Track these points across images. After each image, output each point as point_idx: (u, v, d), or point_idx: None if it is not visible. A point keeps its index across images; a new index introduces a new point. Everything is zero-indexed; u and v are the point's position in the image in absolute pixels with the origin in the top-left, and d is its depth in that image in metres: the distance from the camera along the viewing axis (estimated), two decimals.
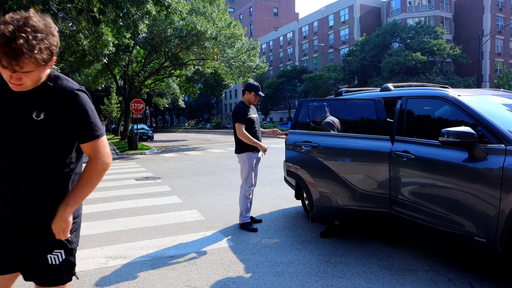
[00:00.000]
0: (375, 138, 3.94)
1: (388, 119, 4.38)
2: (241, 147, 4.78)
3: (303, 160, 4.17)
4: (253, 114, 4.88)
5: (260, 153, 4.90)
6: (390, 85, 4.33)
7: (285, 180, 6.03)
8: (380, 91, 4.41)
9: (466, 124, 3.21)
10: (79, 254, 4.00)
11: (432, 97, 3.70)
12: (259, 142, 4.73)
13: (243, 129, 4.65)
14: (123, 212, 5.83)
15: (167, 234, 4.69)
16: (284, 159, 6.02)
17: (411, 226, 3.64)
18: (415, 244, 4.09)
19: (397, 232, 4.48)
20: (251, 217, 5.01)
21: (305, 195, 5.31)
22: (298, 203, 6.16)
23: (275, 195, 6.90)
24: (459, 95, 3.46)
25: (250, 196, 4.89)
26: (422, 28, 41.64)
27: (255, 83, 4.87)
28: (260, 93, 4.83)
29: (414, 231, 3.78)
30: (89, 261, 3.82)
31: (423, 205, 3.44)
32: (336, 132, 4.19)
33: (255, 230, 4.71)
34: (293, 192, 6.88)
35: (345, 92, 4.95)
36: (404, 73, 38.80)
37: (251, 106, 4.92)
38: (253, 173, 4.87)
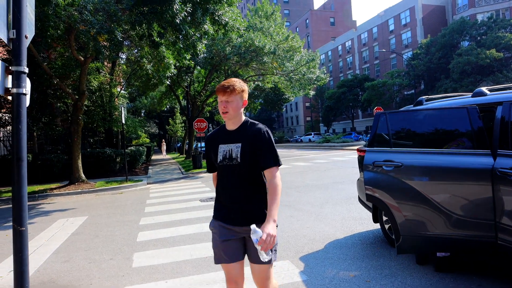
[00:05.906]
0: (470, 153, 3.30)
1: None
2: None
3: (386, 182, 3.60)
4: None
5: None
6: (484, 89, 3.66)
7: (359, 200, 5.47)
8: (472, 96, 3.75)
9: None
10: None
11: None
12: None
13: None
14: (188, 239, 5.61)
15: None
16: (359, 179, 5.49)
17: None
18: None
19: (507, 265, 3.74)
20: None
21: (384, 218, 4.72)
22: (375, 225, 5.55)
23: (348, 216, 6.31)
24: None
25: None
26: (495, 22, 38.36)
27: None
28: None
29: None
30: None
31: None
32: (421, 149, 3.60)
33: None
34: (368, 212, 6.28)
35: (426, 100, 4.32)
36: (477, 73, 35.81)
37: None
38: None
